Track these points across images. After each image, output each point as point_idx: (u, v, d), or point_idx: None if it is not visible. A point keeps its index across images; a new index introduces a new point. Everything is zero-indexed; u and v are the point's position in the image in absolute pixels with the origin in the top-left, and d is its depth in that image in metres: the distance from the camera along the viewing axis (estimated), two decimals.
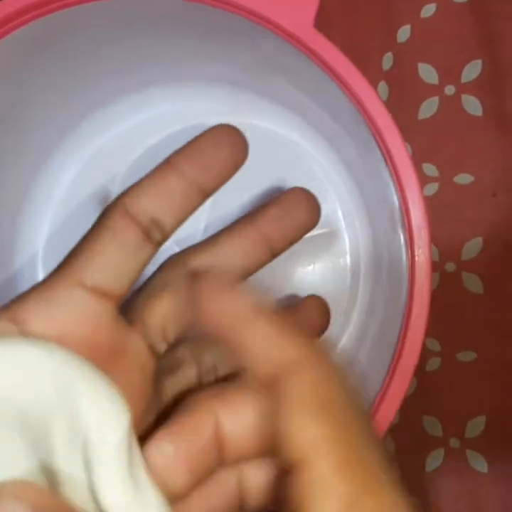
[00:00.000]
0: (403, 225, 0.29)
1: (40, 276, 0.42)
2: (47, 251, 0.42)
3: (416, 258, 0.28)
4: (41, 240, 0.42)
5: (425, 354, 0.41)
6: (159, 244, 0.24)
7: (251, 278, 0.32)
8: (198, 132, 0.40)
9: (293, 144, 0.41)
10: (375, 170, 0.31)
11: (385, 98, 0.43)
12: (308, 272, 0.40)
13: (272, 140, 0.41)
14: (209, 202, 0.40)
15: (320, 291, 0.40)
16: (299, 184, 0.40)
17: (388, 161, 0.28)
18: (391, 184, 0.30)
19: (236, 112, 0.41)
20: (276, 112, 0.40)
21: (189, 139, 0.40)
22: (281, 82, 0.37)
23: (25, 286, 0.41)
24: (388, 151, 0.28)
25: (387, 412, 0.28)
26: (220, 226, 0.41)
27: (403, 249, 0.29)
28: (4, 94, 0.34)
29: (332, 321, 0.39)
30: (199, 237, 0.40)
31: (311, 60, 0.27)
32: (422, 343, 0.28)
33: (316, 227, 0.40)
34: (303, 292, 0.40)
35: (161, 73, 0.40)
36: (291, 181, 0.41)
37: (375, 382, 0.30)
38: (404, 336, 0.29)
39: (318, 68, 0.28)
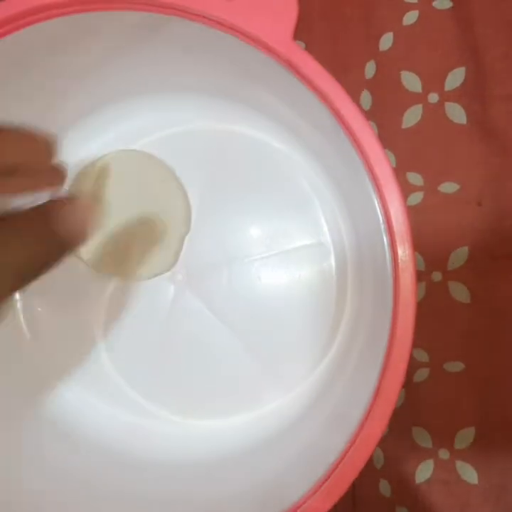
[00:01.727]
0: (387, 235, 0.29)
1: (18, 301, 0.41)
2: None
3: (399, 266, 0.27)
4: None
5: (413, 365, 0.41)
6: None
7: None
8: (183, 141, 0.40)
9: (278, 152, 0.41)
10: (358, 181, 0.31)
11: (368, 107, 0.43)
12: (296, 281, 0.40)
13: (258, 148, 0.41)
14: (195, 205, 0.40)
15: (308, 300, 0.40)
16: (284, 192, 0.40)
17: (370, 173, 0.28)
18: (374, 195, 0.29)
19: (221, 119, 0.41)
20: (260, 121, 0.40)
21: (175, 147, 0.40)
22: (264, 94, 0.37)
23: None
24: (369, 163, 0.27)
25: (375, 429, 0.28)
26: (203, 235, 0.41)
27: (388, 257, 0.29)
28: None
29: (320, 331, 0.39)
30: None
31: (290, 72, 0.27)
32: (409, 359, 0.28)
33: (302, 237, 0.40)
34: (289, 309, 0.40)
35: (140, 85, 0.39)
36: (276, 189, 0.40)
37: (363, 395, 0.30)
38: (391, 348, 0.28)
39: (298, 81, 0.27)
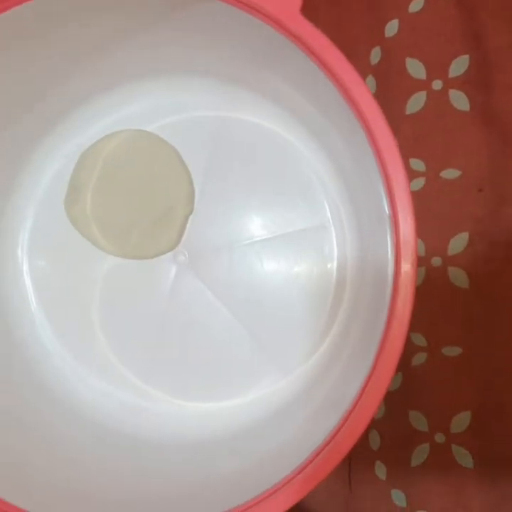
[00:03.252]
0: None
1: (25, 269, 0.42)
2: (30, 246, 0.42)
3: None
4: (24, 237, 0.42)
5: (411, 349, 0.41)
6: None
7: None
8: (189, 125, 0.41)
9: (282, 138, 0.41)
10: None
11: (372, 92, 0.43)
12: (296, 264, 0.40)
13: (261, 133, 0.41)
14: (198, 187, 0.40)
15: (308, 284, 0.40)
16: (287, 176, 0.40)
17: (377, 156, 0.28)
18: (379, 181, 0.29)
19: (227, 106, 0.41)
20: (265, 106, 0.40)
21: (182, 130, 0.40)
22: (271, 77, 0.37)
23: (7, 273, 0.41)
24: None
25: (369, 407, 0.28)
26: (206, 217, 0.41)
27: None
28: None
29: (319, 314, 0.39)
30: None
31: (298, 47, 0.27)
32: (406, 336, 0.28)
33: (304, 221, 0.40)
34: (288, 293, 0.40)
35: (148, 67, 0.40)
36: (280, 175, 0.41)
37: (359, 377, 0.30)
38: (388, 328, 0.28)
39: (306, 57, 0.27)
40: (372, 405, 0.27)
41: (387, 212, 0.29)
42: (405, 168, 0.27)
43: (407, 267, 0.27)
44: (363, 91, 0.27)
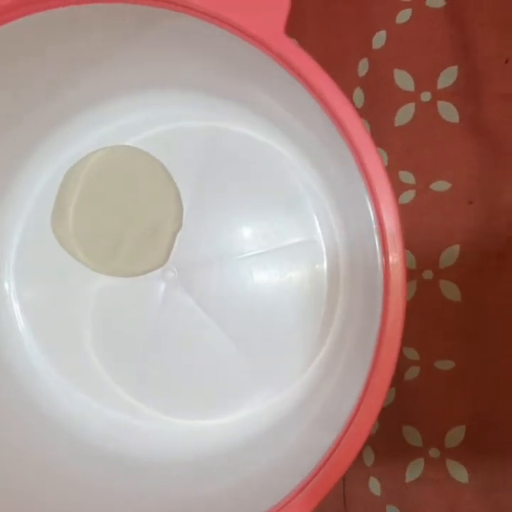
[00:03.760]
0: (378, 233, 0.29)
1: (12, 288, 0.41)
2: (17, 265, 0.42)
3: (390, 266, 0.27)
4: (10, 256, 0.42)
5: (404, 363, 0.41)
6: None
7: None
8: (176, 139, 0.40)
9: (271, 150, 0.41)
10: (350, 179, 0.31)
11: (360, 104, 0.43)
12: (287, 279, 0.40)
13: (249, 146, 0.41)
14: (186, 202, 0.40)
15: (300, 299, 0.39)
16: (276, 190, 0.40)
17: (362, 170, 0.28)
18: (366, 193, 0.29)
19: (213, 117, 0.41)
20: (252, 118, 0.40)
21: (168, 144, 0.40)
22: (257, 91, 0.37)
23: None
24: (361, 160, 0.27)
25: (364, 424, 0.28)
26: (196, 232, 0.41)
27: (379, 256, 0.29)
28: None
29: (311, 330, 0.39)
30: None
31: (281, 66, 0.27)
32: (399, 352, 0.28)
33: (294, 235, 0.40)
34: (280, 308, 0.40)
35: (134, 81, 0.39)
36: (269, 188, 0.40)
37: (353, 393, 0.29)
38: (380, 345, 0.28)
39: (289, 75, 0.27)
40: (369, 422, 0.27)
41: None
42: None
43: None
44: (347, 109, 0.27)
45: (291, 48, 0.27)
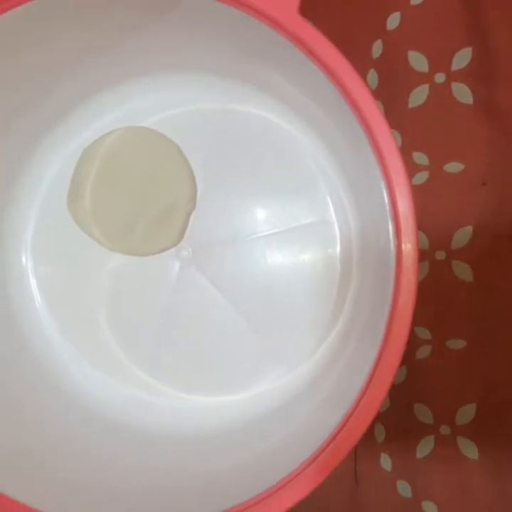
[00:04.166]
0: (391, 215, 0.29)
1: (29, 267, 0.42)
2: (34, 245, 0.42)
3: (403, 247, 0.28)
4: (27, 235, 0.42)
5: (415, 342, 0.42)
6: None
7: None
8: (189, 119, 0.41)
9: (284, 132, 0.41)
10: (363, 160, 0.31)
11: (374, 86, 0.43)
12: (300, 259, 0.40)
13: (264, 128, 0.41)
14: (200, 182, 0.41)
15: (312, 278, 0.40)
16: (290, 171, 0.40)
17: (376, 152, 0.28)
18: (379, 174, 0.29)
19: (228, 99, 0.41)
20: (266, 100, 0.40)
21: (182, 125, 0.40)
22: (269, 72, 0.37)
23: (11, 271, 0.41)
24: (375, 141, 0.27)
25: (376, 398, 0.28)
26: (209, 212, 0.41)
27: (391, 238, 0.29)
28: None
29: (323, 310, 0.39)
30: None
31: (295, 46, 0.27)
32: (410, 330, 0.28)
33: (307, 216, 0.40)
34: (293, 287, 0.40)
35: (150, 63, 0.40)
36: (282, 169, 0.41)
37: (363, 372, 0.30)
38: (391, 325, 0.29)
39: (303, 55, 0.27)
40: (380, 395, 0.27)
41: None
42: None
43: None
44: (362, 90, 0.27)
45: (305, 29, 0.27)
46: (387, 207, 0.29)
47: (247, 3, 0.27)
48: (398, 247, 0.28)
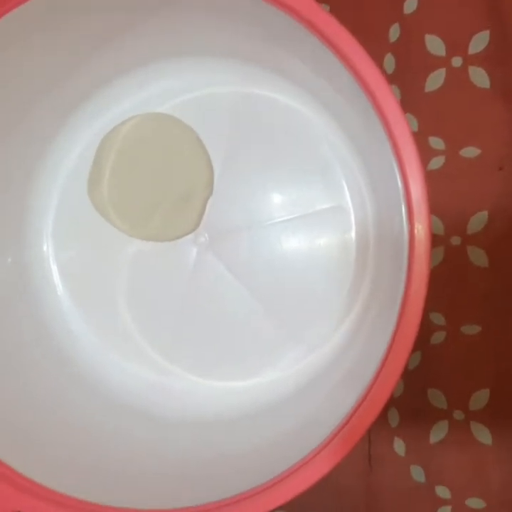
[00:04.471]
0: (404, 199, 0.29)
1: (50, 252, 0.43)
2: (55, 230, 0.43)
3: (415, 232, 0.28)
4: (48, 221, 0.43)
5: (430, 327, 0.42)
6: None
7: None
8: (207, 105, 0.41)
9: (301, 116, 0.41)
10: (378, 145, 0.31)
11: (391, 70, 0.43)
12: (316, 245, 0.40)
13: (280, 112, 0.41)
14: (217, 168, 0.41)
15: (328, 264, 0.40)
16: (306, 157, 0.41)
17: (389, 136, 0.28)
18: (393, 160, 0.29)
19: (244, 82, 0.41)
20: (283, 84, 0.40)
21: (200, 111, 0.41)
22: (286, 56, 0.37)
23: (33, 257, 0.42)
24: (389, 127, 0.28)
25: (389, 380, 0.29)
26: (226, 198, 0.41)
27: (404, 223, 0.29)
28: (9, 71, 0.35)
29: (339, 296, 0.40)
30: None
31: (310, 32, 0.27)
32: (422, 314, 0.28)
33: (323, 201, 0.40)
34: (309, 272, 0.40)
35: (167, 48, 0.40)
36: (298, 154, 0.41)
37: (378, 354, 0.30)
38: (404, 308, 0.29)
39: (319, 41, 0.27)
40: (393, 377, 0.28)
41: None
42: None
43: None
44: (376, 76, 0.27)
45: (320, 14, 0.27)
46: (401, 192, 0.29)
47: None
48: (411, 232, 0.28)
